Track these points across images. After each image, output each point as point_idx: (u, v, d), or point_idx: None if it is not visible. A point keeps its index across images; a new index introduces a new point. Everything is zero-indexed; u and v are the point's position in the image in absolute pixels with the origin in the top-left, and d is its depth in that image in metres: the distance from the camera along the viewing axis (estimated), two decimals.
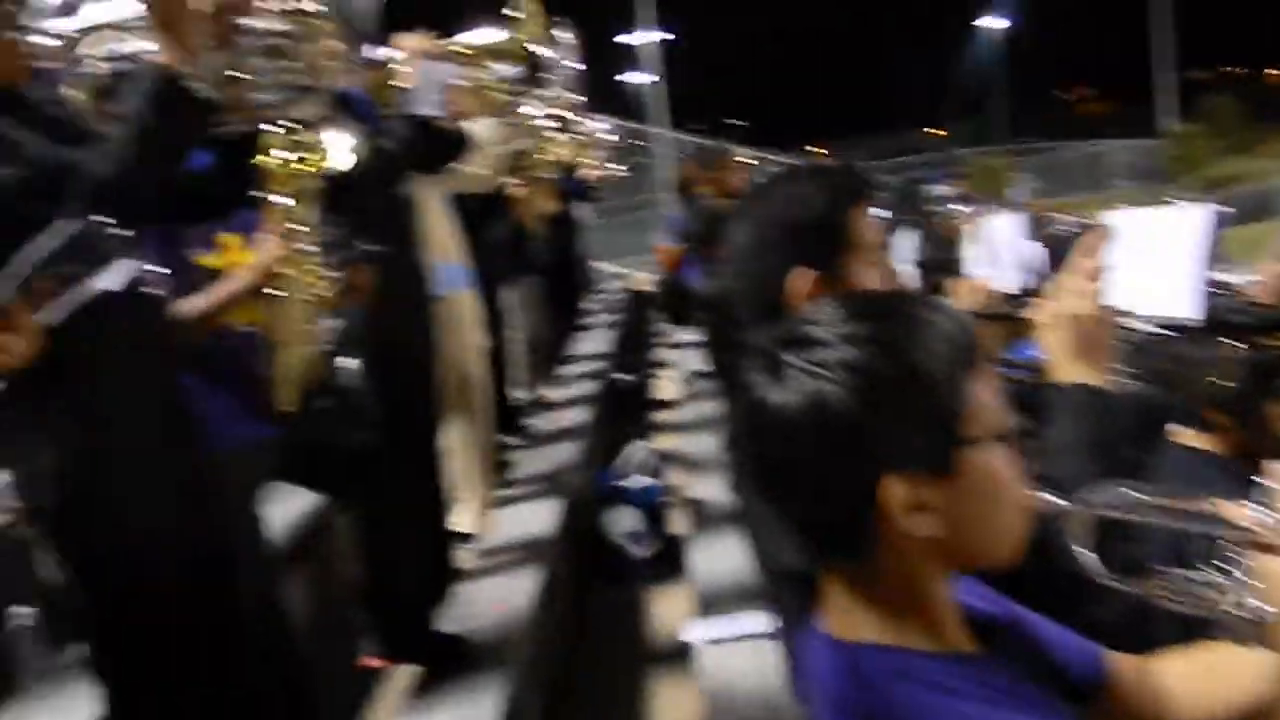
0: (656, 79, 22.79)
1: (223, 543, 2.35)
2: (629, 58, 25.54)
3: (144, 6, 2.00)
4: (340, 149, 2.78)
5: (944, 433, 1.06)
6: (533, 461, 4.94)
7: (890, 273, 1.68)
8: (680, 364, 7.43)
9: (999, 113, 43.25)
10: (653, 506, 4.80)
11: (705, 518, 4.14)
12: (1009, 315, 1.84)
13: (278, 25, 2.13)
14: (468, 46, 3.56)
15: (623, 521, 4.70)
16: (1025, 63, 44.64)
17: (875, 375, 1.05)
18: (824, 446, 1.06)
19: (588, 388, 6.48)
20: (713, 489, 4.20)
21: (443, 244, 4.21)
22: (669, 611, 4.22)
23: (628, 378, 7.13)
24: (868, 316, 1.10)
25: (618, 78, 27.68)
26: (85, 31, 2.16)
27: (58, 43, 2.23)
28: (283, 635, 2.65)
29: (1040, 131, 33.57)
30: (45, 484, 2.05)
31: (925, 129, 49.18)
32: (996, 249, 2.67)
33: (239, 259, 2.75)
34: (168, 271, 2.38)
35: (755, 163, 7.76)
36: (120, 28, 2.16)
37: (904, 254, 3.43)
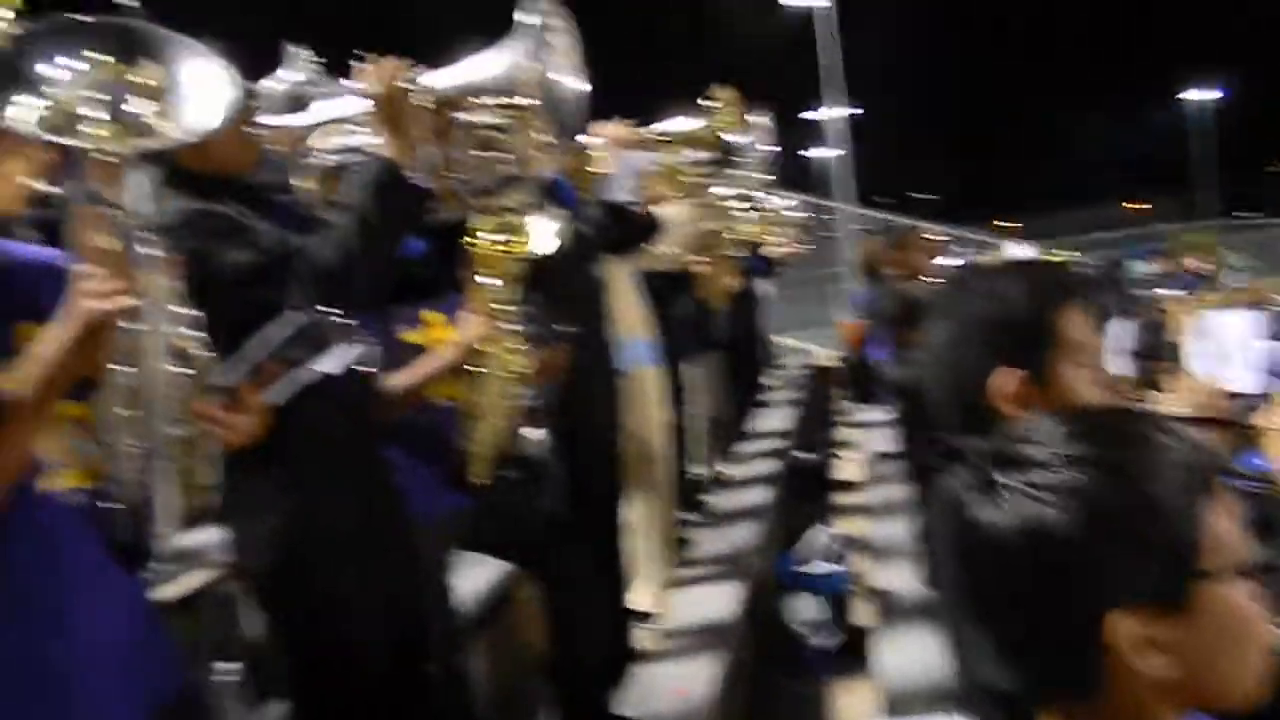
0: (842, 153, 22.75)
1: (416, 610, 2.44)
2: (815, 133, 25.62)
3: (369, 103, 2.15)
4: (543, 233, 2.89)
5: (1178, 565, 0.99)
6: (712, 541, 4.90)
7: (1104, 376, 1.61)
8: (864, 444, 7.27)
9: (1207, 187, 41.07)
10: (836, 595, 4.67)
11: (892, 609, 3.99)
12: (1237, 421, 1.72)
13: (491, 119, 2.24)
14: (663, 134, 3.67)
15: (804, 609, 4.60)
16: (1236, 135, 42.35)
17: (1103, 503, 0.99)
18: (1044, 575, 1.01)
19: (768, 466, 6.42)
20: (901, 579, 4.05)
21: (630, 320, 4.29)
22: (852, 708, 4.08)
23: (809, 457, 7.02)
24: (1093, 437, 1.04)
25: (803, 153, 27.80)
26: (315, 126, 2.32)
27: (289, 136, 2.42)
28: (466, 702, 2.71)
29: (1252, 206, 31.65)
30: (258, 548, 2.18)
31: (1124, 203, 47.12)
32: (1225, 345, 2.52)
33: (441, 335, 2.88)
34: (378, 348, 2.52)
35: (943, 240, 7.60)
36: (347, 122, 2.32)
37: (1114, 342, 3.27)
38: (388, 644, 2.33)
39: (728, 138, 3.69)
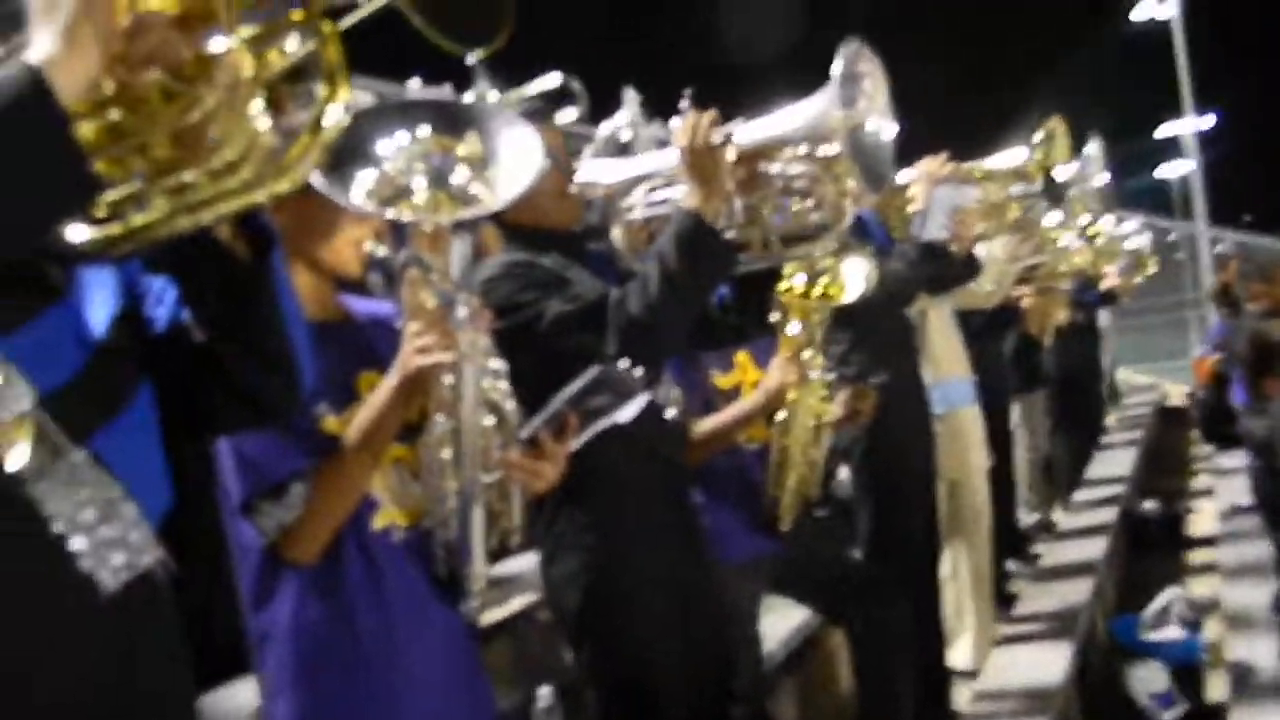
0: (1194, 168, 20.77)
1: (722, 651, 2.44)
2: (1172, 149, 23.59)
3: (679, 156, 2.20)
4: (854, 276, 2.84)
5: None
6: (1041, 596, 4.57)
7: None
8: (1220, 494, 6.53)
9: None
10: (1185, 665, 4.21)
11: (1251, 685, 3.55)
12: None
13: (798, 168, 2.23)
14: (983, 168, 3.51)
15: (1148, 680, 4.17)
16: None
17: None
18: None
19: (1106, 516, 5.91)
20: (1262, 651, 3.60)
21: (945, 360, 4.12)
22: None
23: (1154, 507, 6.40)
24: None
25: (1157, 172, 25.68)
26: (634, 180, 2.40)
27: (610, 189, 2.51)
28: None
29: None
30: (565, 587, 2.26)
31: None
32: None
33: (751, 378, 2.89)
34: (683, 392, 2.56)
35: None
36: (661, 176, 2.37)
37: None
38: (692, 686, 2.35)
39: (1055, 170, 3.46)
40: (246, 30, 1.00)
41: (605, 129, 4.84)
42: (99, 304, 1.21)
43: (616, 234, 2.38)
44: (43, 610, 1.11)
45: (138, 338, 1.24)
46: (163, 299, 1.26)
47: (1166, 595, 4.62)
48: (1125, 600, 4.98)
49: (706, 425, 2.73)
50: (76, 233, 1.08)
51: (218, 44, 1.01)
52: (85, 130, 1.02)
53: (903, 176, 3.33)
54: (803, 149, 2.21)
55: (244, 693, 2.42)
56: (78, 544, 1.11)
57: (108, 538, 1.13)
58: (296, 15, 1.01)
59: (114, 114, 1.03)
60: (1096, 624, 4.47)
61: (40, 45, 0.97)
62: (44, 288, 1.17)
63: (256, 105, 0.99)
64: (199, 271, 1.19)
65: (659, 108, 4.79)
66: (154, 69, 1.02)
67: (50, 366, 1.13)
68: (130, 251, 1.10)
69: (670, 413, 2.42)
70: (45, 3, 0.99)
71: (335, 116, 1.02)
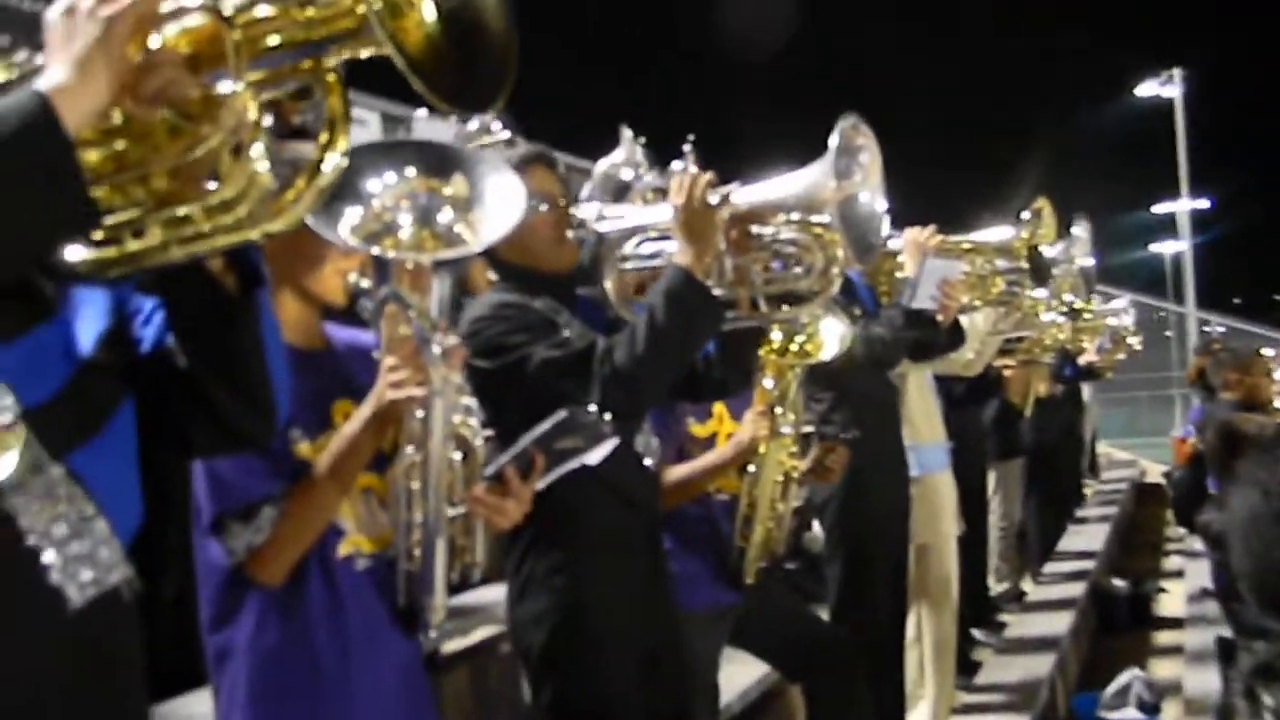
0: (1184, 249, 20.98)
1: (681, 700, 2.44)
2: (1166, 226, 23.85)
3: (673, 212, 2.24)
4: (832, 336, 2.88)
5: None
6: (1005, 667, 4.59)
7: None
8: (1191, 577, 6.56)
9: None
10: None
11: None
12: None
13: (790, 234, 2.28)
14: (971, 242, 3.57)
15: None
16: None
17: None
18: None
19: (1074, 590, 5.94)
20: None
21: (922, 424, 4.15)
22: None
23: (1124, 585, 6.42)
24: None
25: (1151, 247, 25.93)
26: (629, 231, 2.44)
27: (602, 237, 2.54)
28: None
29: None
30: (533, 626, 2.28)
31: None
32: None
33: (727, 429, 2.92)
34: (657, 441, 2.59)
35: None
36: (654, 229, 2.41)
37: None
38: None
39: (1041, 249, 3.54)
40: (254, 75, 1.04)
41: (602, 166, 4.92)
42: (89, 321, 1.24)
43: (608, 283, 2.42)
44: (11, 619, 1.13)
45: (124, 356, 1.27)
46: (151, 319, 1.29)
47: (1127, 675, 4.64)
48: (1088, 677, 5.00)
49: (678, 472, 2.76)
50: (73, 252, 1.11)
51: (225, 86, 1.05)
52: (91, 157, 1.06)
53: (891, 243, 3.39)
54: (795, 215, 2.27)
55: (199, 704, 2.44)
56: (48, 558, 1.14)
57: (77, 553, 1.16)
58: (306, 64, 1.05)
59: (120, 144, 1.07)
60: (1057, 699, 4.48)
61: (53, 73, 1.01)
62: (37, 303, 1.20)
63: (258, 148, 1.03)
64: (187, 299, 1.22)
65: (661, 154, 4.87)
66: (162, 105, 1.06)
67: (36, 381, 1.16)
68: (123, 275, 1.13)
69: (648, 461, 2.45)
70: (63, 34, 1.03)
71: (333, 163, 1.06)
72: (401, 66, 0.96)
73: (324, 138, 1.06)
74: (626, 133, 4.88)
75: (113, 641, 1.22)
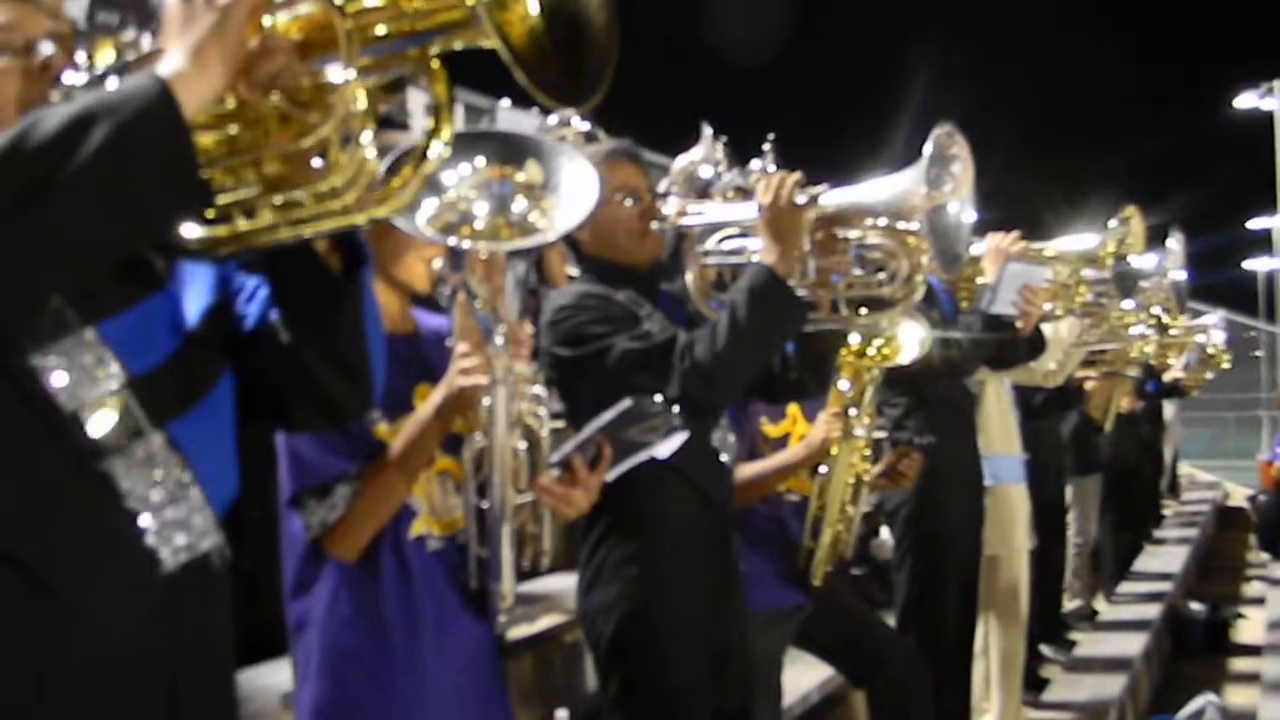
0: (1278, 266, 20.30)
1: (745, 697, 2.45)
2: (1260, 242, 23.09)
3: (759, 211, 2.25)
4: (910, 341, 2.86)
5: None
6: (1074, 686, 4.51)
7: None
8: (1272, 604, 6.37)
9: None
10: None
11: None
12: None
13: (875, 239, 2.27)
14: (1056, 249, 3.51)
15: None
16: None
17: None
18: None
19: (1150, 611, 5.80)
20: None
21: (998, 434, 4.09)
22: None
23: (1201, 609, 6.25)
24: None
25: (1243, 264, 25.11)
26: (712, 227, 2.45)
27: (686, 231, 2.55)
28: None
29: None
30: (603, 615, 2.30)
31: None
32: None
33: (800, 430, 2.92)
34: (734, 438, 2.59)
35: None
36: (738, 226, 2.42)
37: None
38: None
39: (1126, 257, 3.46)
40: (362, 62, 1.07)
41: (680, 162, 4.93)
42: (195, 295, 1.29)
43: (689, 278, 2.43)
44: (109, 576, 1.18)
45: (227, 331, 1.32)
46: (255, 296, 1.33)
47: (1201, 700, 4.51)
48: (1160, 700, 4.89)
49: (749, 471, 2.76)
50: (186, 230, 1.16)
51: (335, 73, 1.08)
52: (205, 140, 1.10)
53: (973, 249, 3.34)
54: (883, 221, 2.25)
55: (271, 675, 2.51)
56: (145, 521, 1.19)
57: (172, 519, 1.21)
58: (412, 53, 1.08)
59: (232, 129, 1.11)
60: None
61: (171, 60, 1.05)
62: (147, 276, 1.25)
63: (367, 135, 1.06)
64: (293, 277, 1.26)
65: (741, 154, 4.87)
66: (273, 91, 1.10)
67: (143, 351, 1.21)
68: (231, 253, 1.17)
69: (724, 458, 2.45)
70: (180, 21, 1.07)
71: (438, 151, 1.09)
72: (506, 59, 0.98)
73: (429, 125, 1.09)
74: (707, 130, 4.89)
75: (202, 606, 1.26)
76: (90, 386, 1.16)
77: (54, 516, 1.15)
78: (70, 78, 1.19)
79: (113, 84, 1.14)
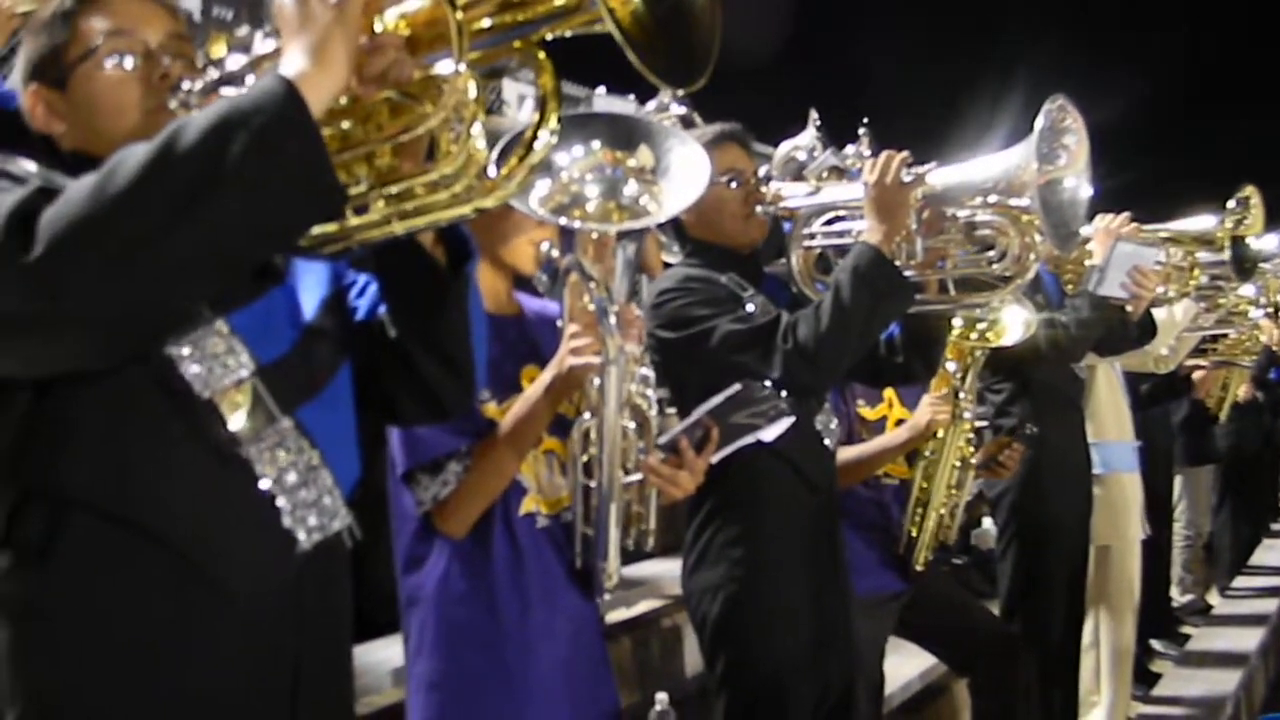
0: None
1: (848, 681, 2.44)
2: None
3: (864, 191, 2.23)
4: (1015, 323, 2.80)
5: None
6: (1186, 681, 4.36)
7: None
8: None
9: None
10: None
11: None
12: None
13: (985, 217, 2.22)
14: (1170, 230, 3.39)
15: None
16: None
17: None
18: None
19: (1267, 606, 5.58)
20: None
21: (1108, 420, 3.96)
22: None
23: None
24: None
25: None
26: (818, 209, 2.43)
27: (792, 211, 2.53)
28: None
29: None
30: (709, 596, 2.31)
31: None
32: None
33: (896, 414, 2.89)
34: (836, 422, 2.58)
35: None
36: (845, 207, 2.40)
37: None
38: (818, 710, 2.36)
39: (1248, 241, 3.32)
40: (472, 54, 1.09)
41: (784, 149, 4.89)
42: (310, 289, 1.34)
43: (793, 260, 2.42)
44: (252, 556, 1.24)
45: (341, 323, 1.36)
46: (365, 290, 1.38)
47: None
48: (1276, 697, 4.70)
49: (850, 454, 2.74)
50: None
51: (444, 66, 1.10)
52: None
53: (1085, 230, 3.25)
54: (993, 198, 2.20)
55: (377, 652, 2.58)
56: (281, 502, 1.24)
57: (305, 500, 1.26)
58: (517, 44, 1.10)
59: (346, 124, 1.14)
60: (1242, 718, 4.24)
61: (293, 60, 1.07)
62: (269, 272, 1.30)
63: (478, 126, 1.08)
64: (402, 272, 1.30)
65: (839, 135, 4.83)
66: (385, 86, 1.12)
67: (270, 341, 1.27)
68: (344, 249, 1.21)
69: (827, 442, 2.44)
70: (297, 20, 1.08)
71: (545, 140, 1.11)
72: (619, 40, 0.99)
73: (536, 115, 1.10)
74: (814, 116, 4.85)
75: (332, 584, 1.32)
76: (222, 375, 1.22)
77: (197, 499, 1.21)
78: (187, 82, 1.23)
79: (228, 91, 1.17)
